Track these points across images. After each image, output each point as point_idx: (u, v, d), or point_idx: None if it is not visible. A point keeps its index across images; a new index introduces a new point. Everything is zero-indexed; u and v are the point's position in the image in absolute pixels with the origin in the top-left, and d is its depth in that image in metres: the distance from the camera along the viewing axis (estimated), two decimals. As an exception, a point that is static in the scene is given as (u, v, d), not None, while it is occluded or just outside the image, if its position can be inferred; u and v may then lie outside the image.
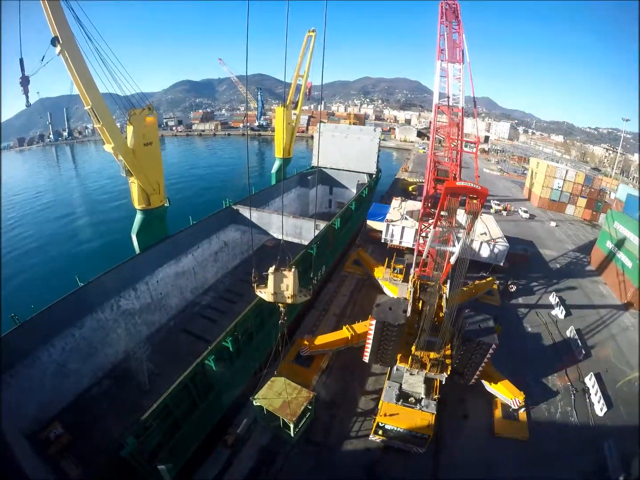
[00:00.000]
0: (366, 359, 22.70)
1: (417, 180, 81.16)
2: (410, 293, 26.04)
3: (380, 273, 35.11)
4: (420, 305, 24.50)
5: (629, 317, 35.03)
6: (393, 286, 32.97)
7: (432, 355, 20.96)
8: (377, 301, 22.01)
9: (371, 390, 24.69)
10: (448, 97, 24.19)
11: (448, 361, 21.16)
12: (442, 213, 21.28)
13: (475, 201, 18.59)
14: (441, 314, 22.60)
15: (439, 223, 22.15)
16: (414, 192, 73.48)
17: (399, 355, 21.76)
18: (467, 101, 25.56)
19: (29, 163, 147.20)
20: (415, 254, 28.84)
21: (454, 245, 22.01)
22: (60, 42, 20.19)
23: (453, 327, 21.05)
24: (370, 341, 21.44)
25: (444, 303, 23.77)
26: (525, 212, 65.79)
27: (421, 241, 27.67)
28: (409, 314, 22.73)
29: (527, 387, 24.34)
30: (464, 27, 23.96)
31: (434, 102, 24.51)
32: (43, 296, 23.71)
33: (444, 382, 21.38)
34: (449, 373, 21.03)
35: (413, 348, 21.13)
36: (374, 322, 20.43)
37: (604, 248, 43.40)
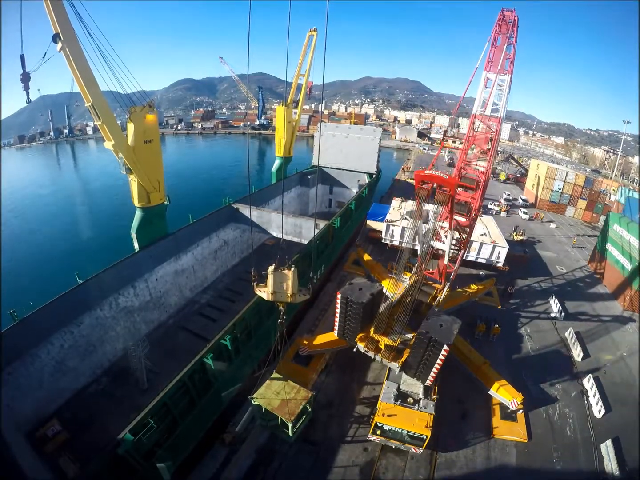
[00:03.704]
0: (335, 332, 23.42)
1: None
2: (404, 288, 26.03)
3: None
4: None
5: (627, 317, 35.07)
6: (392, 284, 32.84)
7: (387, 341, 21.30)
8: (351, 280, 22.86)
9: (370, 390, 24.70)
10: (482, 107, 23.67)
11: (406, 352, 20.98)
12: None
13: (445, 189, 19.58)
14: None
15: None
16: None
17: (359, 335, 22.36)
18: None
19: (29, 161, 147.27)
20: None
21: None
22: (62, 38, 20.16)
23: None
24: (338, 315, 22.23)
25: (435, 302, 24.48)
26: (525, 213, 65.79)
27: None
28: (392, 299, 23.66)
29: (525, 388, 24.38)
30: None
31: (473, 112, 24.23)
32: (42, 293, 23.67)
33: (396, 372, 21.58)
34: (400, 364, 20.86)
35: (372, 330, 21.84)
36: (339, 296, 21.34)
37: (603, 250, 43.40)
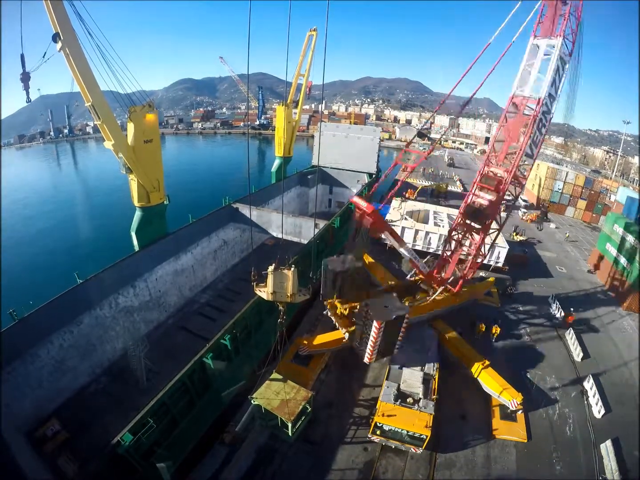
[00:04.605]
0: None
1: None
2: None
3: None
4: None
5: (627, 318, 35.10)
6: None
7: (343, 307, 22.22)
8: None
9: (370, 390, 24.68)
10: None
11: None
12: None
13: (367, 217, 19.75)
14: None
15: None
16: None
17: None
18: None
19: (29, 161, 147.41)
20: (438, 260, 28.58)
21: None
22: (62, 38, 20.15)
23: None
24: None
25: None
26: (525, 213, 65.72)
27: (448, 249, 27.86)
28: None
29: (525, 389, 24.36)
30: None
31: (512, 92, 20.51)
32: (42, 293, 23.68)
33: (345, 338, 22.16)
34: (348, 332, 21.55)
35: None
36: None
37: (603, 250, 43.41)
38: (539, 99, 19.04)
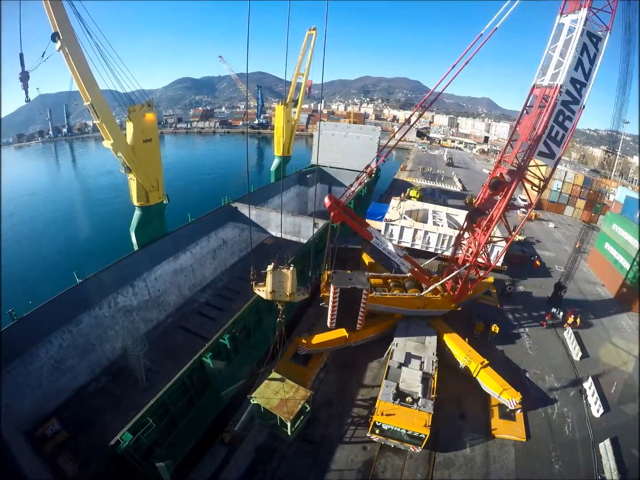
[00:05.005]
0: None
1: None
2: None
3: None
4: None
5: (626, 318, 35.17)
6: None
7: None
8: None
9: (369, 389, 24.70)
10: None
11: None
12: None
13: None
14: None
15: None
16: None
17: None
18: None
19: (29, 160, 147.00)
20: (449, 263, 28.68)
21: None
22: (61, 37, 20.14)
23: None
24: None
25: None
26: (524, 212, 65.72)
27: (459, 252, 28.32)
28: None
29: (523, 388, 24.39)
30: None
31: (532, 83, 18.76)
32: (41, 292, 23.69)
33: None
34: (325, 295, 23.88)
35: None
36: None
37: (602, 250, 43.47)
38: (557, 85, 17.10)
